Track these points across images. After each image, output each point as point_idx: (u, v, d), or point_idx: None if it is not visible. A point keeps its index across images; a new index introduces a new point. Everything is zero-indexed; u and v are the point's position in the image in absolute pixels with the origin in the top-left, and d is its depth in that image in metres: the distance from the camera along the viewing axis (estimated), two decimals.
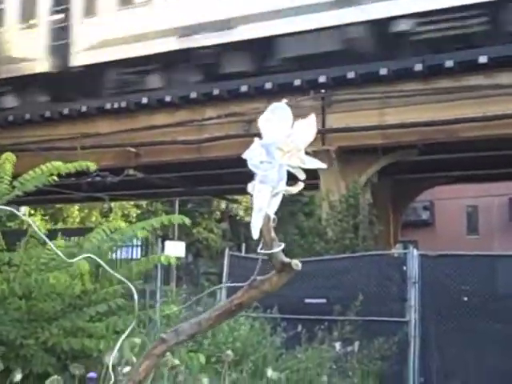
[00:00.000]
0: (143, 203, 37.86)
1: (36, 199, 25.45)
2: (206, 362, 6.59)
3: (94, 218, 36.37)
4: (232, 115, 17.08)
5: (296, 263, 2.42)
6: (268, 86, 16.49)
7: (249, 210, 37.19)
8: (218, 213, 40.10)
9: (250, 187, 2.50)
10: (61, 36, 20.45)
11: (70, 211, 36.20)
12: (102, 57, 19.31)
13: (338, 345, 9.51)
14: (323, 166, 2.47)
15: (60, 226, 34.36)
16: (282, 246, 2.43)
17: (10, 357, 5.39)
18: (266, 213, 2.46)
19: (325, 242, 15.08)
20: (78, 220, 36.55)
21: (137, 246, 15.33)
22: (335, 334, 9.83)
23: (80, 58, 19.84)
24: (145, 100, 18.47)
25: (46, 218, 35.24)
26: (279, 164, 2.45)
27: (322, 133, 15.62)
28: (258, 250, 2.49)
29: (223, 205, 38.75)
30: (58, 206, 34.90)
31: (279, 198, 2.50)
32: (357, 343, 9.69)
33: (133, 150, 18.62)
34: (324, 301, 11.04)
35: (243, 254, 14.69)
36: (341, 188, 15.79)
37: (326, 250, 14.55)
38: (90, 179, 17.13)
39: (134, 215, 36.44)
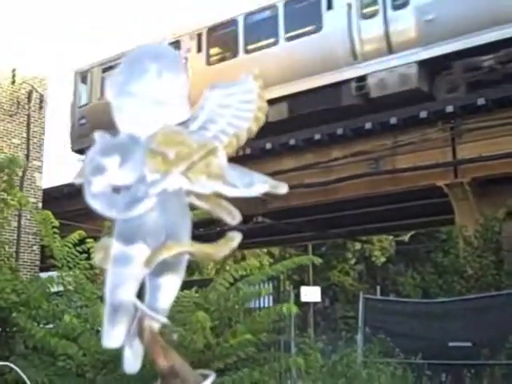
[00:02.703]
0: (276, 250, 37.85)
1: None
2: None
3: (228, 268, 36.60)
4: (358, 154, 16.64)
5: None
6: (393, 120, 15.97)
7: (384, 250, 36.22)
8: (353, 255, 39.37)
9: (97, 255, 1.25)
10: None
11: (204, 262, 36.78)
12: None
13: None
14: (282, 188, 1.23)
15: (196, 276, 34.94)
16: (211, 378, 1.10)
17: None
18: (143, 312, 1.16)
19: (465, 280, 14.17)
20: (213, 271, 37.01)
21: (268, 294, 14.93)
22: (485, 383, 9.03)
23: None
24: (269, 145, 18.45)
25: None
26: (161, 190, 1.17)
27: (454, 165, 15.00)
28: None
29: (358, 246, 38.00)
30: None
31: (180, 274, 1.21)
32: None
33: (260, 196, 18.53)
34: (469, 344, 10.26)
35: (378, 296, 14.20)
36: (477, 222, 14.87)
37: (466, 289, 13.65)
38: (219, 228, 17.17)
39: (267, 263, 36.39)
